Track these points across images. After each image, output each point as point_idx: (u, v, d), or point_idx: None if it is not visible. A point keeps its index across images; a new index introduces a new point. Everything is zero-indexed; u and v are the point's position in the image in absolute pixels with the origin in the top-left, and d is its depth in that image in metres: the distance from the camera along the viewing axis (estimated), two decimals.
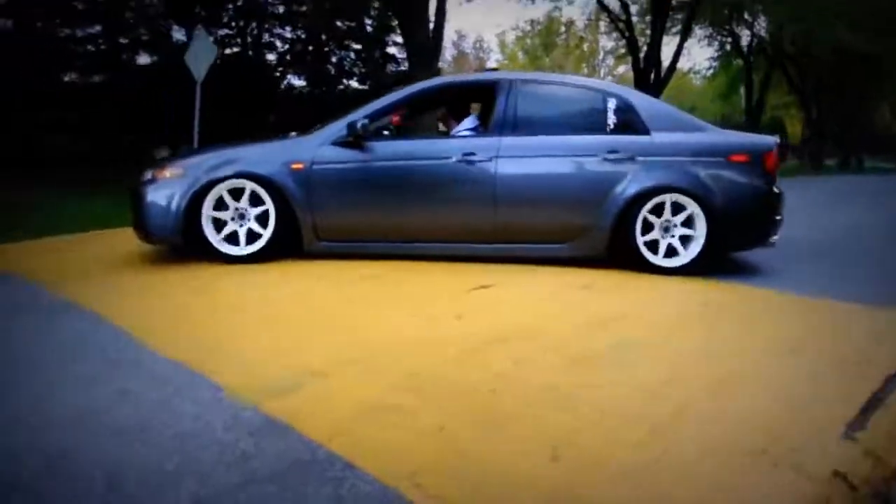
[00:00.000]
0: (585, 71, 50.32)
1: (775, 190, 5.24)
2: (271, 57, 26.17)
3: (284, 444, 2.25)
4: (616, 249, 5.14)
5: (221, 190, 5.07)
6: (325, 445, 2.24)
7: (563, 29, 35.84)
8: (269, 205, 5.09)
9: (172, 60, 21.47)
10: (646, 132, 5.21)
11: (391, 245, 5.30)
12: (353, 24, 25.84)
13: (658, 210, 5.09)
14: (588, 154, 5.17)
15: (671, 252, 5.11)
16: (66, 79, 20.82)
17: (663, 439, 2.33)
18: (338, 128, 5.25)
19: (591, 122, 5.31)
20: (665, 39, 25.13)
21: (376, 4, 25.17)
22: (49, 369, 2.90)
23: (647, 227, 5.10)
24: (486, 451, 2.23)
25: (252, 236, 5.14)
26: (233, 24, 25.12)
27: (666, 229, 5.11)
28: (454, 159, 5.19)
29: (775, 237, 5.30)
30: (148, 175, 5.27)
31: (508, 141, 5.23)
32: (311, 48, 26.36)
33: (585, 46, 42.98)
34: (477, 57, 56.78)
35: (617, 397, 2.68)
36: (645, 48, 24.56)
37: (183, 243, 5.14)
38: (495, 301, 4.15)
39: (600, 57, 48.40)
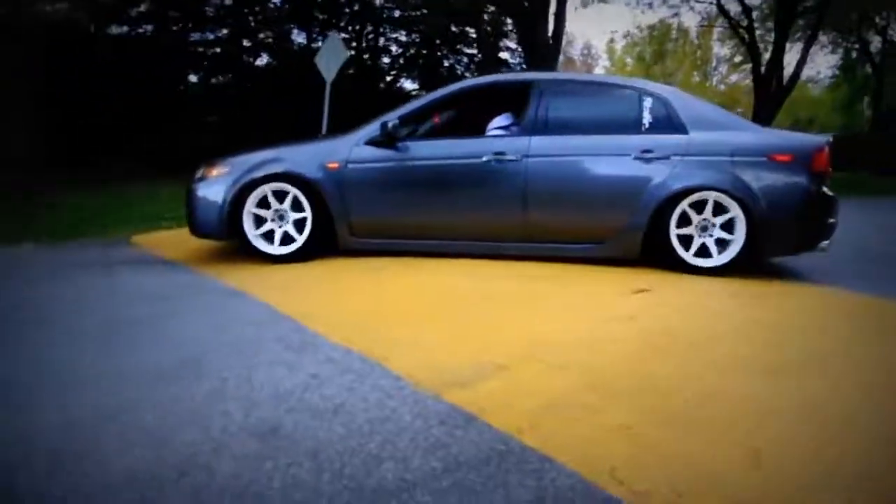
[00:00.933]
0: (697, 79, 49.09)
1: (825, 192, 5.01)
2: (385, 60, 26.66)
3: (477, 434, 2.26)
4: (650, 250, 5.09)
5: (265, 190, 5.23)
6: (517, 437, 2.25)
7: (674, 35, 35.07)
8: (307, 209, 5.25)
9: (292, 62, 22.25)
10: (683, 131, 5.12)
11: (423, 243, 5.38)
12: (466, 29, 25.99)
13: (696, 209, 5.00)
14: (620, 153, 5.12)
15: (707, 252, 5.01)
16: (198, 80, 21.84)
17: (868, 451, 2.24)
18: (372, 128, 5.37)
19: (625, 121, 5.26)
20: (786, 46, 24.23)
21: (490, 9, 25.20)
22: (245, 354, 3.03)
23: (683, 226, 5.02)
24: (684, 452, 2.18)
25: (288, 237, 5.31)
26: (349, 28, 25.63)
27: (703, 229, 5.01)
28: (484, 158, 5.24)
29: (825, 243, 5.05)
30: (199, 173, 5.53)
31: (538, 141, 5.25)
32: (424, 52, 26.66)
33: (697, 54, 41.94)
34: (585, 63, 56.24)
35: (815, 406, 2.58)
36: (768, 54, 23.71)
37: (226, 238, 5.39)
38: (660, 304, 4.07)
39: (713, 65, 47.15)
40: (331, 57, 10.41)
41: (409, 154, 5.33)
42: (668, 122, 5.17)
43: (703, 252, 5.03)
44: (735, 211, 4.93)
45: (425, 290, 4.38)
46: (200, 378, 2.69)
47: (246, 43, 22.78)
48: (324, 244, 5.35)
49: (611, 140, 5.20)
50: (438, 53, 26.81)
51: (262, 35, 22.77)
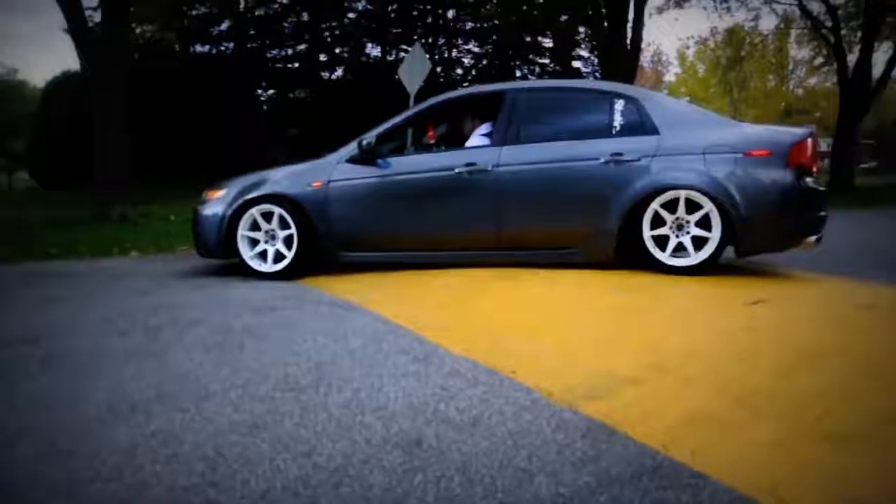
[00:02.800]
0: (773, 83, 47.88)
1: (808, 185, 4.94)
2: (458, 72, 26.79)
3: (622, 448, 2.19)
4: (624, 253, 5.15)
5: (253, 213, 5.54)
6: (663, 452, 2.17)
7: (749, 39, 34.21)
8: (293, 227, 5.49)
9: (368, 75, 22.55)
10: (655, 132, 5.14)
11: (405, 255, 5.54)
12: (539, 39, 25.93)
13: (668, 209, 5.00)
14: (588, 159, 5.17)
15: (681, 250, 5.01)
16: (277, 95, 22.37)
17: None
18: (351, 147, 5.60)
19: (595, 125, 5.35)
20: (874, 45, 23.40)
21: (563, 18, 25.10)
22: (371, 365, 3.03)
23: (658, 226, 5.03)
24: (849, 472, 2.07)
25: (280, 255, 5.56)
26: (422, 41, 25.83)
27: (679, 227, 5.01)
28: (456, 170, 5.35)
29: (812, 238, 5.01)
30: (203, 195, 5.90)
31: (508, 150, 5.34)
32: (496, 63, 26.71)
33: (773, 57, 40.88)
34: (654, 71, 55.45)
35: None
36: (852, 55, 22.94)
37: (226, 258, 5.70)
38: (782, 316, 3.92)
39: (790, 68, 45.91)
40: (414, 69, 10.49)
41: (387, 170, 5.54)
42: (638, 124, 5.22)
43: (680, 252, 5.03)
44: (708, 207, 4.91)
45: (532, 301, 4.34)
46: (331, 389, 2.69)
47: (323, 57, 23.26)
48: (313, 260, 5.61)
49: (580, 146, 5.26)
50: (510, 64, 26.82)
51: (338, 49, 23.24)
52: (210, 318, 3.99)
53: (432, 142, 6.32)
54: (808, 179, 4.97)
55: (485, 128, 5.85)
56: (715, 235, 4.92)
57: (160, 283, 5.45)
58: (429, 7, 25.46)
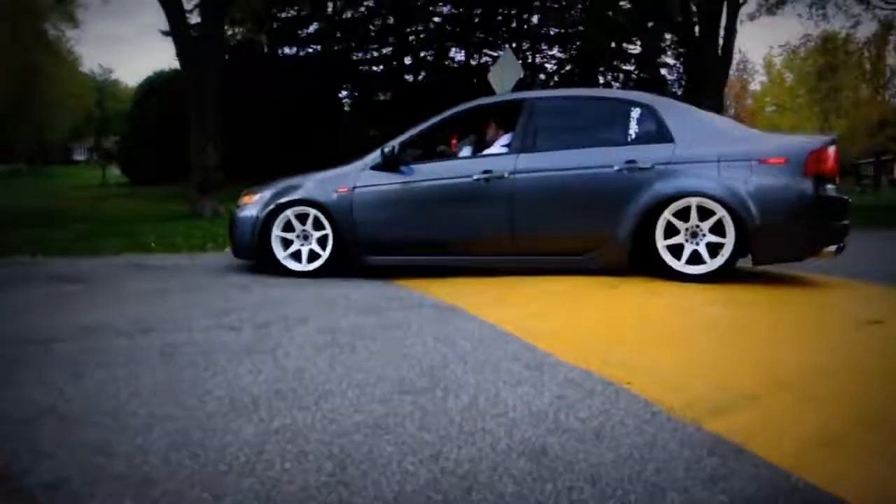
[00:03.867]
0: (866, 92, 46.12)
1: (828, 194, 4.89)
2: (541, 77, 26.66)
3: (751, 468, 2.13)
4: (638, 260, 5.17)
5: (287, 214, 5.73)
6: (796, 473, 2.10)
7: (844, 46, 33.00)
8: (328, 227, 5.67)
9: (451, 78, 22.64)
10: (670, 139, 5.14)
11: (427, 258, 5.65)
12: (625, 45, 25.61)
13: (681, 217, 5.01)
14: (603, 166, 5.21)
15: (697, 259, 5.00)
16: (361, 96, 22.68)
17: None
18: (376, 155, 5.71)
19: (611, 133, 5.38)
20: None
21: (649, 24, 24.71)
22: (485, 371, 3.02)
23: (672, 234, 5.04)
24: None
25: (313, 254, 5.77)
26: (506, 46, 25.76)
27: (693, 235, 5.01)
28: (474, 177, 5.44)
29: (832, 247, 4.93)
30: (240, 200, 6.17)
31: (525, 158, 5.42)
32: (578, 69, 26.48)
33: (870, 65, 39.35)
34: (739, 80, 54.17)
35: None
36: None
37: (261, 258, 5.87)
38: None
39: (887, 76, 44.09)
40: (505, 72, 10.47)
41: (409, 177, 5.65)
42: (654, 132, 5.23)
43: (695, 260, 5.01)
44: (721, 214, 4.89)
45: (637, 311, 4.31)
46: (448, 393, 2.69)
47: (407, 60, 23.49)
48: (345, 260, 5.76)
49: (595, 153, 5.32)
50: (595, 70, 26.56)
51: (423, 53, 23.42)
52: (316, 317, 4.06)
53: (454, 151, 6.39)
54: (829, 188, 4.92)
55: (506, 138, 5.91)
56: (728, 243, 4.90)
57: (257, 280, 5.58)
58: (513, 12, 25.42)
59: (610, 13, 23.55)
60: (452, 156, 6.28)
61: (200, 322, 3.97)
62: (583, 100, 5.99)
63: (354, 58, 23.09)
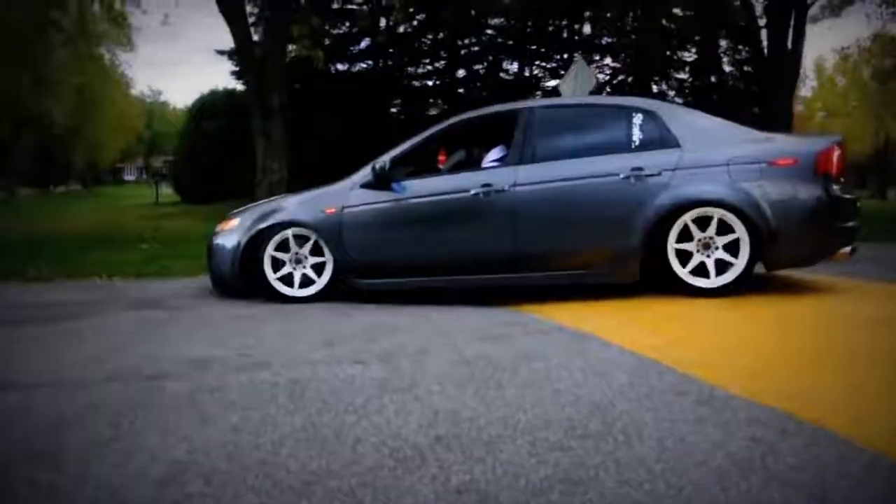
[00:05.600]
0: None
1: (837, 194, 4.78)
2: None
3: None
4: (649, 273, 4.95)
5: (277, 239, 5.51)
6: None
7: None
8: (327, 254, 5.45)
9: (503, 91, 22.37)
10: (675, 144, 4.94)
11: (424, 280, 5.34)
12: (679, 54, 25.12)
13: (697, 225, 4.84)
14: (608, 175, 4.98)
15: (707, 271, 4.84)
16: (413, 110, 22.52)
17: None
18: (365, 172, 5.43)
19: (613, 141, 5.15)
20: None
21: (707, 31, 24.20)
22: (656, 408, 2.75)
23: (683, 242, 4.87)
24: None
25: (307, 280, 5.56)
26: (557, 56, 25.46)
27: (706, 246, 4.84)
28: (472, 192, 5.12)
29: (846, 249, 4.83)
30: (217, 227, 5.94)
31: (525, 170, 5.13)
32: (630, 79, 26.01)
33: None
34: None
35: None
36: None
37: (241, 286, 5.67)
38: None
39: None
40: (577, 82, 10.12)
41: (402, 194, 5.33)
42: (658, 138, 5.02)
43: (703, 272, 4.85)
44: (736, 223, 4.74)
45: (780, 336, 3.99)
46: (629, 437, 2.39)
47: (460, 73, 23.27)
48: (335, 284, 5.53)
49: (599, 162, 5.08)
50: (648, 79, 26.05)
51: (476, 66, 23.20)
52: (437, 347, 3.80)
53: (442, 167, 6.10)
54: (836, 188, 4.82)
55: (495, 152, 5.67)
56: (742, 253, 4.75)
57: (345, 304, 5.36)
58: (565, 22, 25.10)
59: (664, 21, 23.10)
60: (445, 171, 6.02)
61: (318, 354, 3.71)
62: (581, 108, 5.73)
63: (408, 71, 22.97)
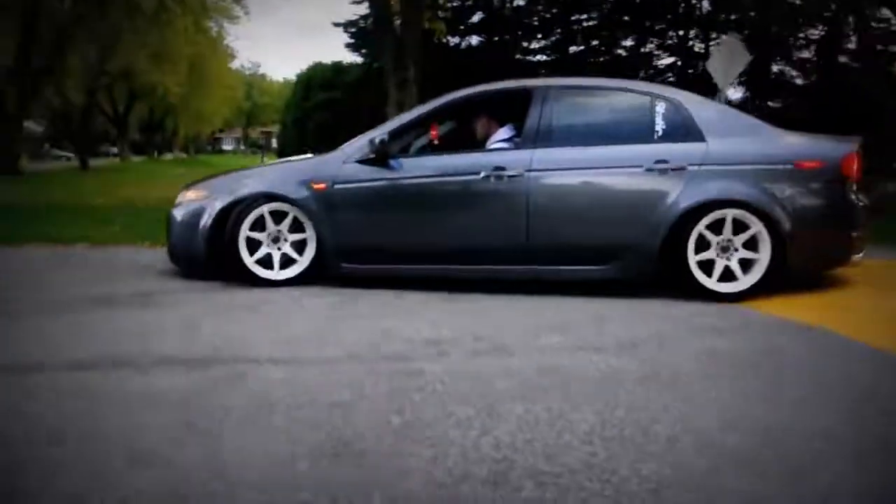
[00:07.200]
0: None
1: (854, 200, 4.66)
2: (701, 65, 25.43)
3: None
4: (666, 272, 4.68)
5: (257, 213, 4.99)
6: None
7: None
8: (309, 230, 5.01)
9: (620, 67, 21.82)
10: (700, 138, 4.64)
11: (419, 268, 5.00)
12: (805, 32, 23.93)
13: (713, 230, 4.57)
14: (630, 165, 4.73)
15: (729, 275, 4.58)
16: None
17: None
18: (360, 144, 5.04)
19: (635, 129, 4.86)
20: None
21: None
22: None
23: (702, 246, 4.59)
24: None
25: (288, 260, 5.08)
26: (670, 34, 24.65)
27: (724, 248, 4.58)
28: (483, 174, 4.78)
29: (859, 255, 4.76)
30: (178, 198, 5.41)
31: (541, 154, 4.79)
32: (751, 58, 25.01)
33: None
34: None
35: None
36: None
37: (207, 264, 5.11)
38: None
39: None
40: (728, 61, 9.59)
41: (401, 172, 4.97)
42: (682, 129, 4.73)
43: (728, 276, 4.60)
44: (758, 226, 4.50)
45: None
46: None
47: (573, 49, 22.78)
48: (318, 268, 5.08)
49: (621, 151, 4.82)
50: (767, 59, 24.95)
51: (592, 42, 22.67)
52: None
53: (435, 142, 5.56)
54: (853, 194, 4.71)
55: (505, 131, 5.26)
56: (763, 255, 4.51)
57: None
58: None
59: None
60: (440, 149, 5.55)
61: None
62: (601, 90, 5.27)
63: (521, 46, 22.67)
